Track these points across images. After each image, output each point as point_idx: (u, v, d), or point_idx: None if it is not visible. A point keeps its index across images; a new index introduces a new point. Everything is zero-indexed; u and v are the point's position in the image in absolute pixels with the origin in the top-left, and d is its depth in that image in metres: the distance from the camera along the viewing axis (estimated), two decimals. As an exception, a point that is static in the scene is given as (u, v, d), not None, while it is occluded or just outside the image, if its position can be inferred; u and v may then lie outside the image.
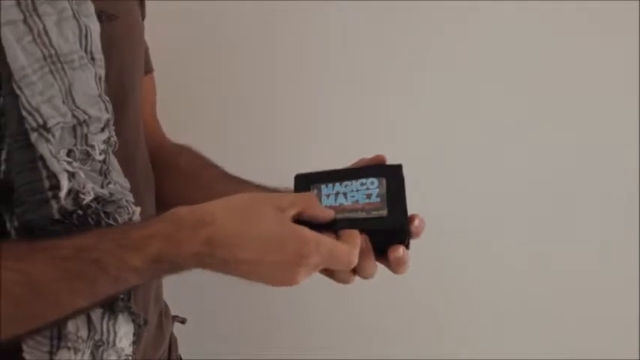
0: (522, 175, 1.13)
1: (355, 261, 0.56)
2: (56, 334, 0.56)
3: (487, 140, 1.13)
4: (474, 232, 1.14)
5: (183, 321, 0.84)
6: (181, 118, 1.08)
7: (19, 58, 0.52)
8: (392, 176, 0.62)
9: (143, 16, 0.78)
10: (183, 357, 0.86)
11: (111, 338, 0.58)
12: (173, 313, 0.83)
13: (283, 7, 1.11)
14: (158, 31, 1.08)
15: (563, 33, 1.08)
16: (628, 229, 1.12)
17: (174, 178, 0.79)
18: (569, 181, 1.12)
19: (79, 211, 0.55)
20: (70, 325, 0.56)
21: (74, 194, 0.54)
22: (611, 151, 1.11)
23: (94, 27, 0.59)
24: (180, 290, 0.85)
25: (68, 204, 0.54)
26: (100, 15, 0.62)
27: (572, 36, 1.08)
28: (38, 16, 0.53)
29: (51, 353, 0.56)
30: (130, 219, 0.60)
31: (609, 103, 1.09)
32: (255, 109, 1.15)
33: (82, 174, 0.54)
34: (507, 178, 1.13)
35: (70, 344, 0.56)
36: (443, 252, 1.14)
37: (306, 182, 0.64)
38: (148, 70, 0.83)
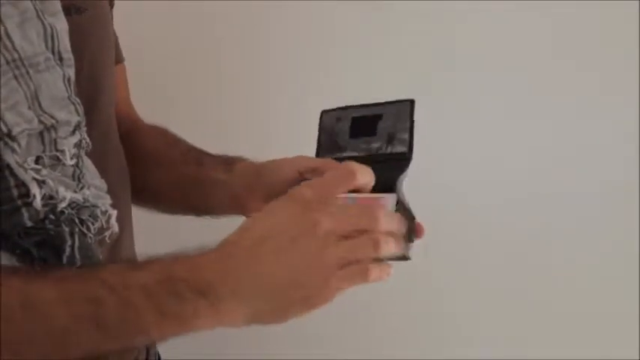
0: (521, 175, 1.13)
1: (358, 170, 0.51)
2: None
3: (485, 143, 1.13)
4: (473, 232, 1.15)
5: (163, 318, 0.83)
6: (166, 109, 1.08)
7: None
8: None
9: (111, 5, 0.77)
10: (161, 355, 0.85)
11: None
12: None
13: (279, 5, 1.11)
14: (150, 24, 1.08)
15: (564, 33, 1.08)
16: (628, 228, 1.12)
17: (139, 159, 0.78)
18: (569, 179, 1.12)
19: (52, 216, 0.54)
20: None
21: (45, 201, 0.53)
22: (611, 150, 1.10)
23: (61, 26, 0.57)
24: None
25: (40, 211, 0.53)
26: (69, 9, 0.60)
27: (572, 36, 1.08)
28: None
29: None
30: (107, 222, 0.59)
31: (609, 102, 1.09)
32: (250, 105, 1.15)
33: (51, 182, 0.53)
34: (506, 180, 1.13)
35: None
36: (440, 252, 1.14)
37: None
38: (119, 60, 0.82)
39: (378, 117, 0.64)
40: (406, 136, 0.62)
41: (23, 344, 0.47)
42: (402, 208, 0.58)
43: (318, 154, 0.67)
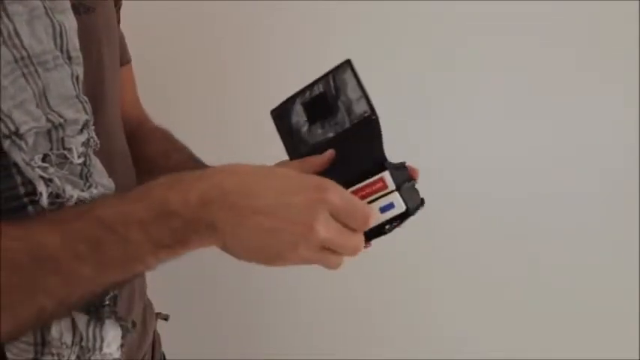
0: (521, 175, 1.13)
1: (371, 223, 0.52)
2: (40, 340, 0.55)
3: (485, 143, 1.13)
4: (473, 232, 1.15)
5: (166, 318, 0.84)
6: (166, 109, 1.08)
7: None
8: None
9: (119, 6, 0.76)
10: (166, 356, 0.85)
11: (97, 344, 0.57)
12: (156, 310, 0.82)
13: (279, 5, 1.11)
14: (153, 25, 1.08)
15: (564, 33, 1.08)
16: (628, 228, 1.12)
17: (138, 163, 0.77)
18: (569, 179, 1.13)
19: None
20: (54, 331, 0.55)
21: (52, 199, 0.53)
22: (611, 150, 1.11)
23: (70, 24, 0.57)
24: (163, 287, 0.84)
25: (47, 210, 0.53)
26: (78, 8, 0.60)
27: (572, 36, 1.08)
28: (8, 16, 0.51)
29: (35, 360, 0.55)
30: None
31: (609, 102, 1.09)
32: (250, 105, 1.15)
33: (57, 181, 0.53)
34: (506, 180, 1.13)
35: (53, 350, 0.55)
36: (440, 252, 1.14)
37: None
38: (126, 60, 0.82)
39: (325, 93, 0.62)
40: (361, 97, 0.60)
41: (38, 292, 0.49)
42: (393, 167, 0.59)
43: (291, 156, 0.66)
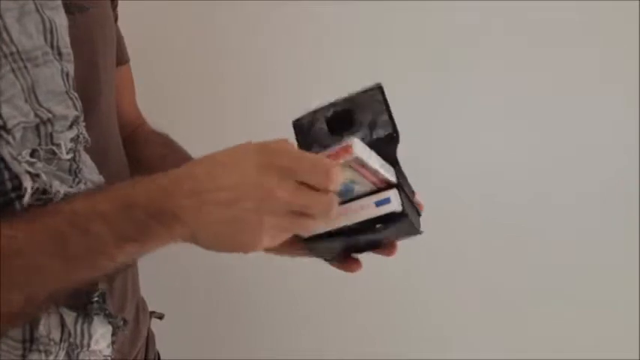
0: (521, 175, 1.13)
1: (336, 181, 0.50)
2: (28, 336, 0.55)
3: (484, 143, 1.13)
4: (473, 232, 1.15)
5: (160, 317, 0.83)
6: (166, 109, 1.08)
7: None
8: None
9: (114, 6, 0.76)
10: (161, 355, 0.85)
11: (85, 341, 0.57)
12: (151, 309, 0.82)
13: (280, 5, 1.11)
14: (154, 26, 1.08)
15: (564, 33, 1.08)
16: (628, 228, 1.12)
17: (133, 168, 0.77)
18: (569, 179, 1.12)
19: None
20: (42, 328, 0.55)
21: (39, 195, 0.53)
22: (611, 150, 1.10)
23: (61, 21, 0.57)
24: (158, 286, 0.84)
25: (35, 205, 0.53)
26: (71, 7, 0.60)
27: (572, 36, 1.08)
28: None
29: (23, 356, 0.55)
30: None
31: (609, 102, 1.09)
32: (250, 106, 1.16)
33: (44, 176, 0.53)
34: (506, 180, 1.13)
35: (41, 347, 0.55)
36: (440, 252, 1.14)
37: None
38: (124, 60, 0.82)
39: (351, 111, 0.61)
40: (386, 118, 0.60)
41: (12, 288, 0.49)
42: (403, 178, 0.58)
43: None
